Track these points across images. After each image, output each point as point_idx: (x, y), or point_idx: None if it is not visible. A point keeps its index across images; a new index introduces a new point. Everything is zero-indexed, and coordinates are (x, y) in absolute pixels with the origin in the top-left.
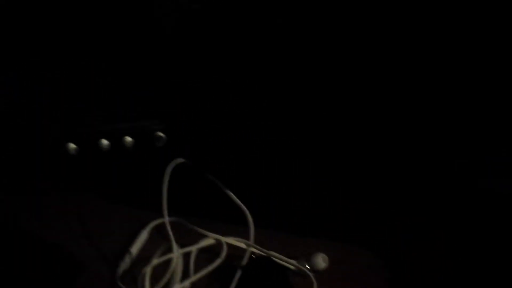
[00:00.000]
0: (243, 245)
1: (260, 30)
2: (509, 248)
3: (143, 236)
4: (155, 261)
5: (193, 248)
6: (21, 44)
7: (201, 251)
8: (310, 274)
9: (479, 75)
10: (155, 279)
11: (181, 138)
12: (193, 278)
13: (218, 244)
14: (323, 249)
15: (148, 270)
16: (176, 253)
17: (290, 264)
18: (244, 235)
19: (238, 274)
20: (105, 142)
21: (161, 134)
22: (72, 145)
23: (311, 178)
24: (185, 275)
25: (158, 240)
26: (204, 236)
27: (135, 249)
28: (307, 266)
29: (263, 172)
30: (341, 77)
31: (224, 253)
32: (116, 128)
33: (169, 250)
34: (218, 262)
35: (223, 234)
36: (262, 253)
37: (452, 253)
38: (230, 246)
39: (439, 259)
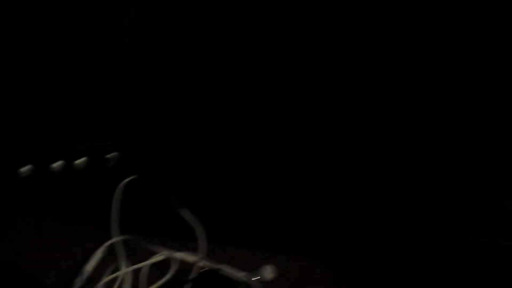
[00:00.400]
0: (192, 259)
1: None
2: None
3: (98, 255)
4: (105, 278)
5: (144, 264)
6: None
7: (153, 266)
8: (258, 286)
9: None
10: None
11: (133, 156)
12: None
13: (169, 259)
14: (272, 261)
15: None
16: (124, 270)
17: (239, 276)
18: (195, 250)
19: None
20: (58, 163)
21: (112, 155)
22: (25, 167)
23: (262, 189)
24: None
25: (111, 258)
26: (155, 253)
27: (89, 267)
28: (255, 277)
29: (215, 184)
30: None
31: (174, 268)
32: (70, 149)
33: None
34: (167, 277)
35: (175, 250)
36: (212, 267)
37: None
38: (181, 261)
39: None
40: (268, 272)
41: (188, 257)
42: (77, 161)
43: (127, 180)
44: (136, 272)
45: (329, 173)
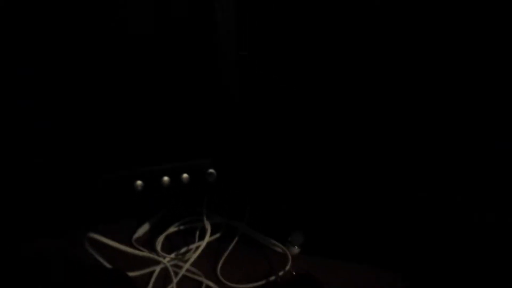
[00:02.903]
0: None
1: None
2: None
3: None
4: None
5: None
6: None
7: None
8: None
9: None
10: None
11: (231, 173)
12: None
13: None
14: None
15: None
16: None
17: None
18: None
19: None
20: (166, 178)
21: (212, 170)
22: (139, 182)
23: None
24: None
25: None
26: None
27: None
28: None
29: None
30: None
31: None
32: (176, 166)
33: None
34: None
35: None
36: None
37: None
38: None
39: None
40: (299, 238)
41: None
42: (183, 177)
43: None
44: None
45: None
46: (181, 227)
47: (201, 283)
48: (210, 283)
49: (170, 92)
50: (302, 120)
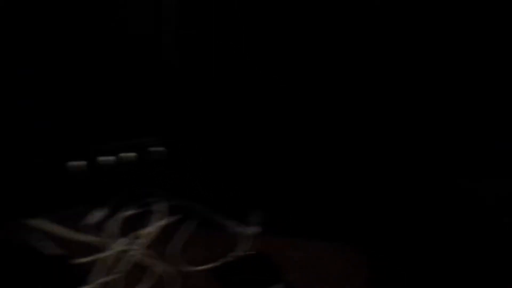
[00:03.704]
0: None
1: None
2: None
3: None
4: None
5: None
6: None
7: None
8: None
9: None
10: None
11: (180, 152)
12: None
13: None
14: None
15: None
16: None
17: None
18: None
19: None
20: (108, 158)
21: (160, 148)
22: (75, 163)
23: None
24: None
25: None
26: None
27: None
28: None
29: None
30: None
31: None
32: (119, 145)
33: None
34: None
35: None
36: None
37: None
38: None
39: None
40: (257, 218)
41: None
42: (124, 156)
43: None
44: None
45: (355, 155)
46: (137, 211)
47: (155, 267)
48: (166, 267)
49: (111, 70)
50: (250, 94)
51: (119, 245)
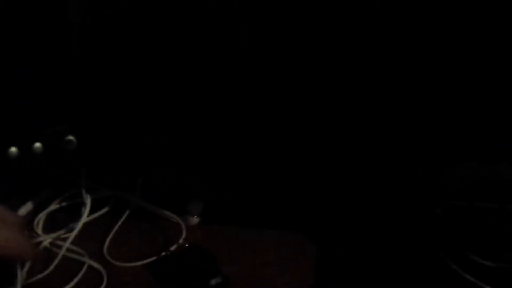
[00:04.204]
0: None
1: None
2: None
3: None
4: None
5: None
6: None
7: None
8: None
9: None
10: None
11: (92, 141)
12: None
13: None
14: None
15: None
16: None
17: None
18: None
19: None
20: (13, 149)
21: (71, 137)
22: None
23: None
24: None
25: None
26: None
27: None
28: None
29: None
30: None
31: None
32: (26, 135)
33: None
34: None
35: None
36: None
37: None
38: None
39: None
40: (197, 207)
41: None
42: (35, 146)
43: None
44: None
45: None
46: (64, 204)
47: (83, 263)
48: (93, 263)
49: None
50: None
51: (44, 240)
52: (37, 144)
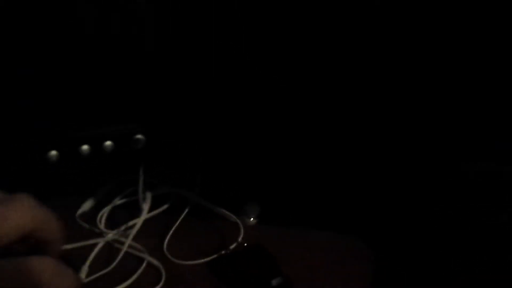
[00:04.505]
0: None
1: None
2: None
3: None
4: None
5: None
6: None
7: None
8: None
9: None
10: None
11: (160, 140)
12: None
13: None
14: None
15: None
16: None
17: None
18: None
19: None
20: (85, 147)
21: (140, 136)
22: (53, 152)
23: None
24: None
25: None
26: None
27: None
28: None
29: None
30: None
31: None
32: (96, 133)
33: None
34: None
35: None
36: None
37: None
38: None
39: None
40: (254, 209)
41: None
42: (105, 145)
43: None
44: None
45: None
46: (126, 200)
47: (143, 260)
48: (153, 260)
49: (89, 51)
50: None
51: (107, 236)
52: (108, 143)
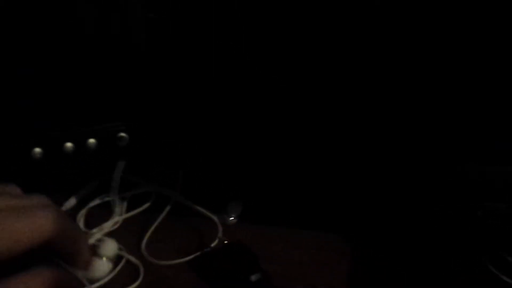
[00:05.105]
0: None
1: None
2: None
3: None
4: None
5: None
6: None
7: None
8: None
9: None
10: None
11: (144, 137)
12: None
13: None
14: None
15: None
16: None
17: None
18: None
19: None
20: (69, 145)
21: (123, 134)
22: (37, 149)
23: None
24: None
25: None
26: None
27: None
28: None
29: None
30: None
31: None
32: (80, 131)
33: None
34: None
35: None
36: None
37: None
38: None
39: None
40: (236, 208)
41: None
42: (88, 142)
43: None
44: None
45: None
46: (103, 200)
47: (121, 258)
48: (132, 258)
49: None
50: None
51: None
52: (91, 140)
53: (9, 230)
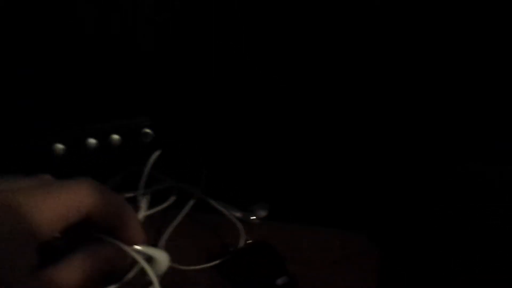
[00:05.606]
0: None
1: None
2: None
3: None
4: None
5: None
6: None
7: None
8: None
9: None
10: None
11: (168, 134)
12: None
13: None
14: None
15: None
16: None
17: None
18: None
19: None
20: (92, 141)
21: (148, 130)
22: (59, 146)
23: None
24: None
25: None
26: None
27: None
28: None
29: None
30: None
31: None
32: (103, 127)
33: None
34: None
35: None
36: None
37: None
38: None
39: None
40: (263, 208)
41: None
42: (112, 138)
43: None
44: None
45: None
46: (129, 195)
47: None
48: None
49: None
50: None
51: None
52: (115, 136)
53: (51, 207)
